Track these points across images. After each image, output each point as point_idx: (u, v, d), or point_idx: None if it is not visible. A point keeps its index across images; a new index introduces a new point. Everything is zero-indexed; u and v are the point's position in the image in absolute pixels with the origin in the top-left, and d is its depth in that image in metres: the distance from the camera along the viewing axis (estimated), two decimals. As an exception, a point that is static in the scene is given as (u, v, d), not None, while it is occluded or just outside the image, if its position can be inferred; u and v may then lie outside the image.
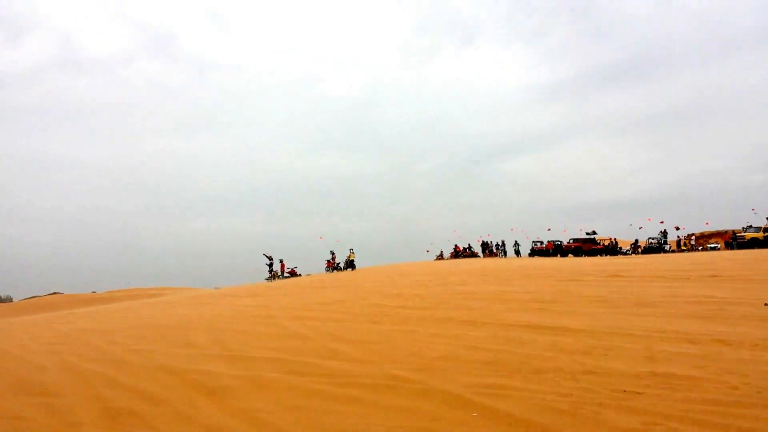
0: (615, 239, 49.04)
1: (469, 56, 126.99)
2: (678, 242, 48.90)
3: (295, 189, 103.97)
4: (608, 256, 42.39)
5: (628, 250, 48.39)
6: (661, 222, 48.82)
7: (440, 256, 53.63)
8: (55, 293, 57.99)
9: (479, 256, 52.12)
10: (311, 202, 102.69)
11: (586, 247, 45.66)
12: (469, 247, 53.71)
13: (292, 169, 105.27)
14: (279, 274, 40.73)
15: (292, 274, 41.68)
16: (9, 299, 57.51)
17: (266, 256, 40.83)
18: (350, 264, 41.43)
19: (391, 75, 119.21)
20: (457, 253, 52.76)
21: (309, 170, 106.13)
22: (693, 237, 50.42)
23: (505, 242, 52.39)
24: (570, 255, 44.64)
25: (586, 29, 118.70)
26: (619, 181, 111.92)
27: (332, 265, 42.37)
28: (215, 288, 49.44)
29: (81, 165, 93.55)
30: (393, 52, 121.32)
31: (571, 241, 47.61)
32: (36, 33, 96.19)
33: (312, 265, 48.29)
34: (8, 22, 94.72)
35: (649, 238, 46.68)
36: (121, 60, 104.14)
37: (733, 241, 42.75)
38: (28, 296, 58.13)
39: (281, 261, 41.33)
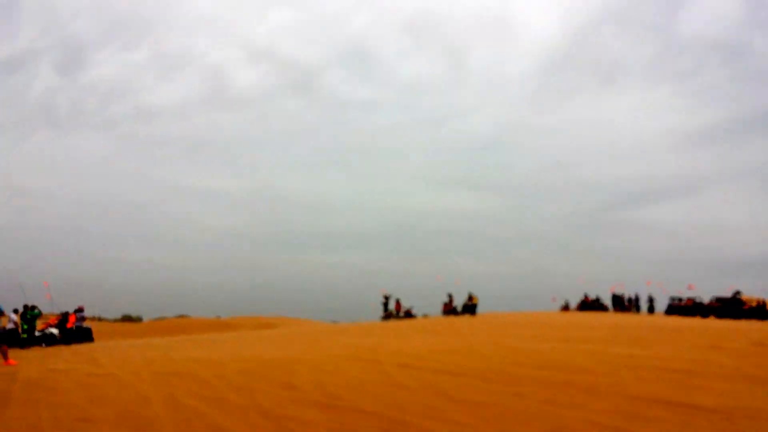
0: (764, 300, 44.55)
1: (610, 96, 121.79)
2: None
3: (417, 226, 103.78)
4: (755, 319, 38.51)
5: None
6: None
7: (566, 307, 51.07)
8: (182, 316, 61.13)
9: (608, 310, 49.16)
10: (432, 241, 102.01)
11: (730, 308, 41.75)
12: (598, 299, 50.79)
13: (416, 206, 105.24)
14: (394, 313, 40.28)
15: (408, 314, 41.08)
16: (139, 319, 60.94)
17: (383, 295, 40.58)
18: (469, 308, 40.20)
19: (523, 113, 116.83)
20: (585, 305, 50.03)
21: (433, 208, 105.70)
22: None
23: (638, 296, 49.21)
24: (712, 316, 41.02)
25: (739, 71, 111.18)
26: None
27: (449, 308, 41.32)
28: (332, 322, 49.57)
29: (217, 194, 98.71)
30: (527, 89, 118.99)
31: (714, 299, 43.76)
32: (187, 70, 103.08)
33: (429, 305, 47.58)
34: (163, 59, 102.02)
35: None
36: (264, 96, 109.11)
37: None
38: (158, 317, 61.54)
39: (397, 300, 40.85)
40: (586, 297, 50.44)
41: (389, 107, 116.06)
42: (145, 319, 61.19)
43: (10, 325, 23.43)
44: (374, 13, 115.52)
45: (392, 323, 33.93)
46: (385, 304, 40.12)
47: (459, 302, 41.20)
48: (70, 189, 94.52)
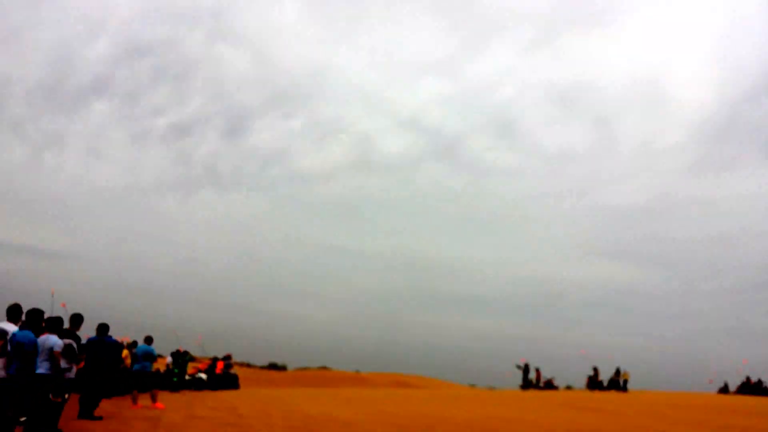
0: None
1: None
2: None
3: (560, 295, 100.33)
4: None
5: None
6: None
7: (724, 389, 46.74)
8: (324, 367, 62.48)
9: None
10: (576, 311, 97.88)
11: None
12: (760, 382, 45.96)
13: (560, 276, 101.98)
14: (534, 382, 38.75)
15: (549, 385, 39.36)
16: (284, 367, 63.22)
17: (522, 363, 39.28)
18: (615, 384, 37.82)
19: (677, 184, 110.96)
20: (746, 387, 45.43)
21: (578, 278, 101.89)
22: None
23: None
24: None
25: None
26: None
27: (595, 382, 39.11)
28: (469, 385, 48.63)
29: (363, 254, 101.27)
30: (681, 160, 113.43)
31: None
32: (338, 137, 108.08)
33: (572, 377, 45.35)
34: (317, 127, 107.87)
35: None
36: (409, 161, 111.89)
37: None
38: (301, 366, 63.45)
39: (537, 369, 39.31)
40: (748, 379, 46.00)
41: (534, 175, 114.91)
42: (290, 367, 63.65)
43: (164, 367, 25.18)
44: (521, 84, 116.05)
45: (532, 393, 32.56)
46: (525, 373, 38.80)
47: (605, 376, 39.18)
48: (228, 243, 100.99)
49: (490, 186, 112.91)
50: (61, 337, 10.56)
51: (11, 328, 9.74)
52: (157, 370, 23.45)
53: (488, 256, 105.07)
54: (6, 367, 9.49)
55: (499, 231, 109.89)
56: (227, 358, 31.10)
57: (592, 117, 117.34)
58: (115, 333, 15.08)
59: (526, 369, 38.74)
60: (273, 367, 63.26)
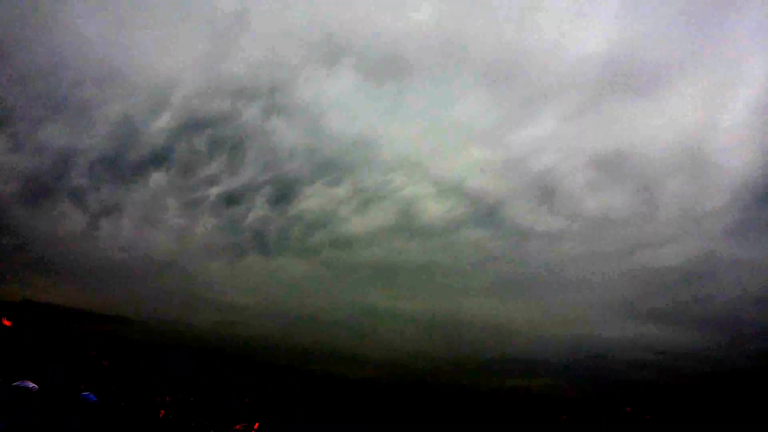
0: None
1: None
2: None
3: (606, 357, 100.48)
4: None
5: None
6: None
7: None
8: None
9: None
10: (621, 373, 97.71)
11: None
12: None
13: (604, 338, 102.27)
14: None
15: None
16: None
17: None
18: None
19: (720, 246, 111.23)
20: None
21: (622, 339, 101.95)
22: None
23: None
24: None
25: None
26: None
27: None
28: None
29: (405, 315, 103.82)
30: (723, 223, 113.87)
31: None
32: (381, 203, 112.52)
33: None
34: (361, 195, 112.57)
35: None
36: (451, 226, 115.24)
37: None
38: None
39: None
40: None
41: (575, 238, 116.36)
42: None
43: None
44: (563, 152, 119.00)
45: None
46: None
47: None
48: (273, 306, 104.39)
49: (529, 248, 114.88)
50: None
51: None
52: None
53: (530, 318, 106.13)
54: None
55: (540, 292, 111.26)
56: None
57: (633, 181, 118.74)
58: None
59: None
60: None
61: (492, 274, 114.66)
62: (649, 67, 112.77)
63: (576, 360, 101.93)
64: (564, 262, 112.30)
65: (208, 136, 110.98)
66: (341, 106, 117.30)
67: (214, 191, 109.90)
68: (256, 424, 33.25)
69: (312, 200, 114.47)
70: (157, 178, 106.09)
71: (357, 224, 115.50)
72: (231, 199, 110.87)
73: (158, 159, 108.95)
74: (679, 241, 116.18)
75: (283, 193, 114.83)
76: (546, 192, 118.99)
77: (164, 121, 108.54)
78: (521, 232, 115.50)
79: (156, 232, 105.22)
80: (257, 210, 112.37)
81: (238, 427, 33.35)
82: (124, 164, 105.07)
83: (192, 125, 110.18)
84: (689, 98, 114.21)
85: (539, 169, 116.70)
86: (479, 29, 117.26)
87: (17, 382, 12.72)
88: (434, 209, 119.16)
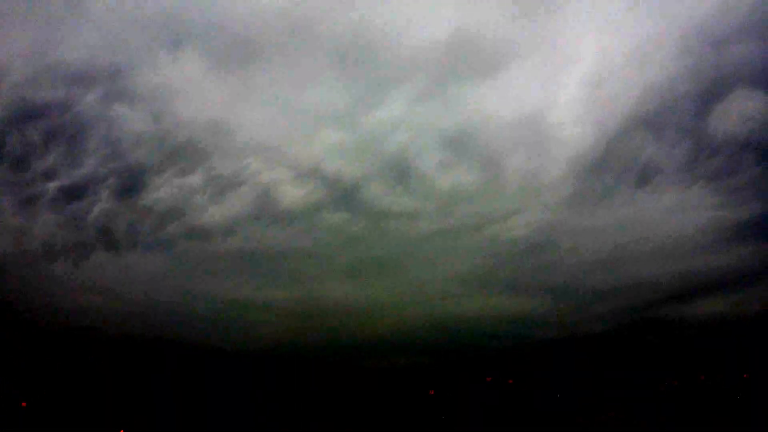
0: None
1: (646, 196, 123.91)
2: None
3: (462, 331, 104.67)
4: None
5: None
6: None
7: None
8: None
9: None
10: (479, 344, 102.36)
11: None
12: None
13: (460, 311, 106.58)
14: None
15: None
16: None
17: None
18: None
19: (561, 216, 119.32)
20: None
21: (477, 312, 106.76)
22: None
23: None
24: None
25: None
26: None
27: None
28: None
29: (267, 305, 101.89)
30: (564, 194, 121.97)
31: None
32: (237, 190, 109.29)
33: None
34: (216, 182, 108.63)
35: None
36: (310, 210, 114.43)
37: None
38: None
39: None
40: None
41: (430, 216, 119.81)
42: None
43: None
44: (414, 132, 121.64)
45: None
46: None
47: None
48: (126, 305, 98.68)
49: (387, 229, 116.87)
50: None
51: None
52: None
53: (390, 297, 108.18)
54: None
55: (399, 271, 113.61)
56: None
57: (480, 158, 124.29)
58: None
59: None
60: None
61: (352, 256, 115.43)
62: (489, 49, 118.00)
63: (436, 336, 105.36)
64: (420, 240, 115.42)
65: (43, 127, 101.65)
66: (189, 91, 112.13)
67: (52, 186, 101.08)
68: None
69: (163, 190, 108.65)
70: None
71: (213, 213, 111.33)
72: (72, 194, 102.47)
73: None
74: (523, 213, 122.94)
75: (131, 184, 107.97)
76: (401, 173, 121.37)
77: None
78: (379, 212, 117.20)
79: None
80: (102, 204, 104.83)
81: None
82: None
83: (23, 116, 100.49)
84: (528, 77, 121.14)
85: (393, 150, 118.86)
86: (326, 13, 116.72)
87: None
88: (293, 194, 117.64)
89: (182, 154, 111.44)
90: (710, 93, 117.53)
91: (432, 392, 60.04)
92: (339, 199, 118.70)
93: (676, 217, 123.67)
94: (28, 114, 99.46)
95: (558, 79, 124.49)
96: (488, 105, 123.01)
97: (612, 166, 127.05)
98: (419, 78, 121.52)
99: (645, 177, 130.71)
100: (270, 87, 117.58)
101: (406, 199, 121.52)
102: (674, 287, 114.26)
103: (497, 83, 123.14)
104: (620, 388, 78.07)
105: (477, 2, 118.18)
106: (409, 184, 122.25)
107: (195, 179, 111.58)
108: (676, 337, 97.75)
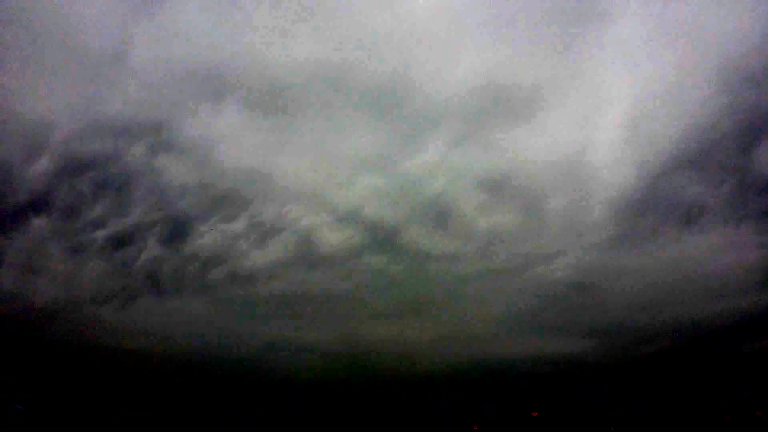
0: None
1: (692, 236, 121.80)
2: None
3: (506, 371, 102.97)
4: None
5: None
6: None
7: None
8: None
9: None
10: (523, 385, 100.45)
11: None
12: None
13: (503, 352, 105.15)
14: None
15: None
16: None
17: None
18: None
19: (604, 256, 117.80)
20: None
21: (520, 352, 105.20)
22: None
23: None
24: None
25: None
26: None
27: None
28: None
29: (308, 347, 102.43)
30: (607, 234, 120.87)
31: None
32: (279, 236, 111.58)
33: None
34: (258, 228, 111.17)
35: None
36: (351, 254, 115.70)
37: None
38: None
39: None
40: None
41: (470, 258, 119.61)
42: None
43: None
44: (452, 176, 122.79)
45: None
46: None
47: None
48: (169, 348, 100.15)
49: (428, 270, 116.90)
50: None
51: None
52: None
53: (431, 337, 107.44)
54: None
55: (440, 313, 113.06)
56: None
57: (521, 199, 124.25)
58: None
59: None
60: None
61: (393, 298, 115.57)
62: (525, 91, 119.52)
63: (478, 376, 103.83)
64: (461, 281, 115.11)
65: (91, 178, 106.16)
66: (230, 140, 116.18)
67: (101, 234, 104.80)
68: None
69: (207, 237, 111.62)
70: (38, 224, 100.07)
71: (256, 258, 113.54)
72: (120, 241, 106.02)
73: (38, 204, 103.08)
74: (565, 254, 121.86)
75: (176, 231, 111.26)
76: (440, 216, 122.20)
77: (43, 166, 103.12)
78: (419, 255, 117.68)
79: (39, 281, 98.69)
80: (149, 251, 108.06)
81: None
82: (2, 212, 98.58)
83: (73, 168, 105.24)
84: (565, 118, 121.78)
85: (431, 193, 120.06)
86: (361, 61, 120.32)
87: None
88: (333, 238, 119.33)
89: (225, 201, 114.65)
90: (752, 130, 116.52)
91: (476, 427, 59.18)
92: (379, 243, 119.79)
93: (722, 257, 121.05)
94: (77, 166, 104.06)
95: (595, 120, 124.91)
96: (525, 147, 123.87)
97: (655, 206, 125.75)
98: (455, 123, 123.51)
99: (690, 217, 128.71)
100: (308, 135, 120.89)
101: (446, 242, 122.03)
102: (723, 327, 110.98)
103: (533, 125, 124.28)
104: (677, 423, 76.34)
105: (510, 44, 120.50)
106: (449, 226, 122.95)
107: (237, 226, 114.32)
108: (725, 376, 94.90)
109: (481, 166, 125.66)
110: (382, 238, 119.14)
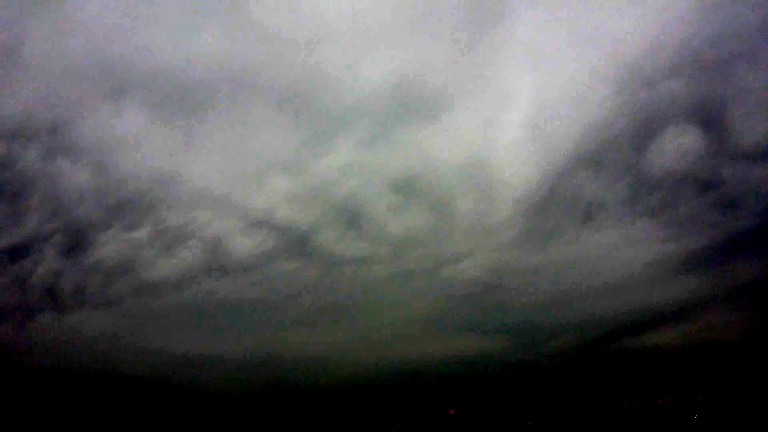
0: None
1: (591, 234, 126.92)
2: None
3: (421, 372, 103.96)
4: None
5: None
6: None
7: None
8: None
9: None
10: (438, 385, 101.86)
11: None
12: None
13: (418, 353, 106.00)
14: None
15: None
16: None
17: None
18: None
19: (513, 255, 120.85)
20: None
21: (434, 353, 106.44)
22: None
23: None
24: None
25: (712, 200, 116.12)
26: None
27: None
28: None
29: (219, 359, 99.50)
30: (513, 233, 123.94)
31: None
32: (187, 243, 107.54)
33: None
34: (164, 236, 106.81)
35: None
36: (263, 259, 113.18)
37: None
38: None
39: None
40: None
41: (382, 261, 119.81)
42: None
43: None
44: (363, 178, 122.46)
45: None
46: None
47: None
48: (70, 367, 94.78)
49: (340, 274, 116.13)
50: None
51: None
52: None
53: (347, 342, 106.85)
54: None
55: (351, 316, 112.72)
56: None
57: (430, 202, 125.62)
58: None
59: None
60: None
61: (306, 303, 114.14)
62: (432, 91, 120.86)
63: (394, 378, 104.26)
64: (374, 285, 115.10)
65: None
66: (132, 142, 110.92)
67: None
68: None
69: (109, 246, 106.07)
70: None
71: (162, 267, 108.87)
72: (14, 253, 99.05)
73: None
74: (474, 254, 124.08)
75: (76, 241, 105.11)
76: (351, 218, 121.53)
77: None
78: (331, 259, 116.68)
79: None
80: (46, 263, 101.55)
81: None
82: None
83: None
84: (471, 119, 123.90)
85: (343, 195, 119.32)
86: (268, 59, 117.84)
87: None
88: (243, 244, 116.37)
89: (127, 208, 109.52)
90: (645, 129, 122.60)
91: (393, 430, 59.04)
92: (290, 248, 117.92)
93: (621, 253, 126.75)
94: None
95: (498, 121, 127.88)
96: (433, 148, 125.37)
97: (557, 205, 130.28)
98: (365, 123, 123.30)
99: (589, 214, 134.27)
100: (216, 136, 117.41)
101: (358, 245, 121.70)
102: (624, 321, 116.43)
103: (440, 126, 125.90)
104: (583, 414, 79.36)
105: (418, 46, 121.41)
106: (361, 229, 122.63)
107: (141, 233, 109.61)
108: (629, 367, 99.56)
109: (391, 167, 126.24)
110: (294, 243, 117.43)
